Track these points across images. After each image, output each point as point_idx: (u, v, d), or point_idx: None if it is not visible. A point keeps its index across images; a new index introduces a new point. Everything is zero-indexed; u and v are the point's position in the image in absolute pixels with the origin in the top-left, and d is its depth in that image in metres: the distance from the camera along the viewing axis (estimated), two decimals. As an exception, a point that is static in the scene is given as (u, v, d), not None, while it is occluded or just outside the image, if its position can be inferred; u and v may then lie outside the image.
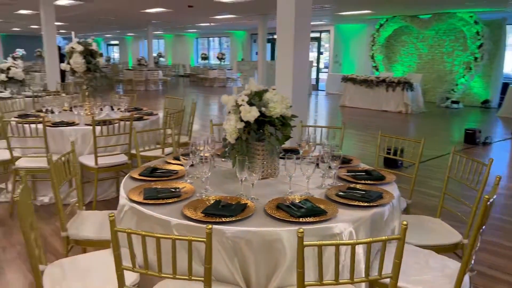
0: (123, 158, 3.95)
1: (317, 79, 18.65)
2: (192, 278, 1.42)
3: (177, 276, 1.44)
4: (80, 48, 4.40)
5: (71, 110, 4.80)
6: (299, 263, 1.34)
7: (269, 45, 20.78)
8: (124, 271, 1.50)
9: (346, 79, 12.46)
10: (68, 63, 4.44)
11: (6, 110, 5.58)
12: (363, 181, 2.35)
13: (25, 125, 3.95)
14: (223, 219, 1.78)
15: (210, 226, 1.34)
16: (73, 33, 16.91)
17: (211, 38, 26.05)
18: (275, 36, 20.45)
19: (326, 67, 18.73)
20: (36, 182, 4.24)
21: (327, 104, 13.62)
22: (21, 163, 3.86)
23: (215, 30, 22.90)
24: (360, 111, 11.43)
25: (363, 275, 1.49)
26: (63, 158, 2.41)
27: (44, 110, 4.69)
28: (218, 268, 1.80)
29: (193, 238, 1.36)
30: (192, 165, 2.36)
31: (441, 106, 12.47)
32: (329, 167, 2.28)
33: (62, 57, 14.28)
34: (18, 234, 3.48)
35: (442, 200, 2.73)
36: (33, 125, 3.94)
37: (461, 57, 12.67)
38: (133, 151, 3.80)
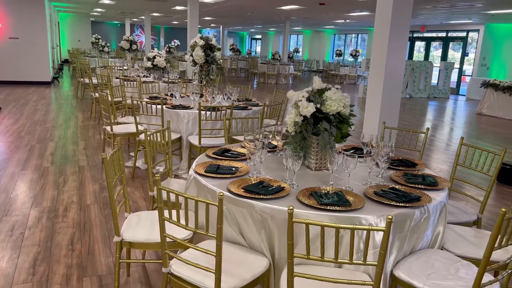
0: (222, 141, 4.49)
1: (458, 82, 17.08)
2: (209, 234, 1.76)
3: (197, 231, 1.80)
4: (201, 42, 5.08)
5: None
6: (289, 236, 1.58)
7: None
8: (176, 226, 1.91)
9: (486, 84, 11.25)
10: (191, 55, 5.17)
11: (146, 92, 6.71)
12: (413, 185, 2.38)
13: (152, 105, 4.80)
14: (257, 196, 2.08)
15: (221, 193, 1.66)
16: (221, 26, 19.02)
17: (348, 35, 25.77)
18: (415, 35, 19.33)
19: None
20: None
21: (462, 110, 12.48)
22: (143, 136, 4.70)
23: (352, 27, 22.62)
24: (499, 121, 10.25)
25: (354, 259, 1.64)
26: (158, 134, 2.98)
27: (169, 94, 5.54)
28: (251, 237, 2.12)
29: (209, 202, 1.70)
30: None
31: None
32: (377, 165, 2.39)
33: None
34: (130, 191, 4.31)
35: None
36: (158, 106, 4.75)
37: None
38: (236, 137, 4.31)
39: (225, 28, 31.00)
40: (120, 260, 2.27)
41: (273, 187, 2.20)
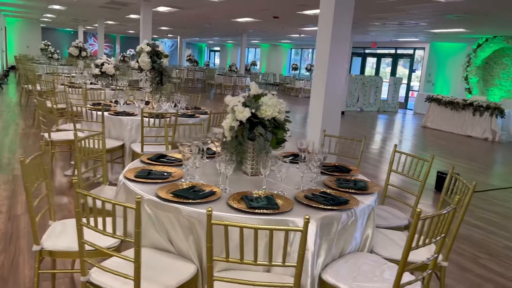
0: (164, 148, 4.40)
1: (407, 97, 17.87)
2: (126, 239, 1.69)
3: (117, 236, 1.72)
4: (147, 48, 4.99)
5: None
6: (208, 238, 1.54)
7: (359, 59, 20.49)
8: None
9: (430, 99, 11.84)
10: (137, 61, 5.06)
11: (92, 99, 6.49)
12: (344, 189, 2.41)
13: (93, 111, 4.63)
14: (184, 200, 2.03)
15: (139, 196, 1.60)
16: (178, 37, 18.80)
17: (304, 50, 26.39)
18: (366, 51, 20.10)
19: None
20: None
21: (409, 123, 13.04)
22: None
23: (308, 42, 23.19)
24: (442, 134, 10.79)
25: (280, 261, 1.63)
26: (89, 139, 2.87)
27: (113, 101, 5.39)
28: (179, 243, 2.05)
29: (127, 205, 1.63)
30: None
31: (540, 137, 11.18)
32: (310, 169, 2.41)
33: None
34: (68, 200, 4.11)
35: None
36: (99, 112, 4.59)
37: None
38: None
39: (183, 39, 30.84)
40: (39, 271, 2.13)
41: (204, 191, 2.16)
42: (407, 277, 1.97)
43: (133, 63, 5.12)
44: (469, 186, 2.31)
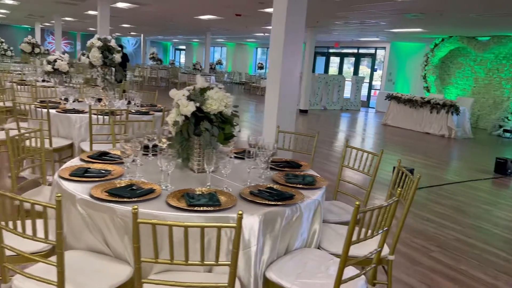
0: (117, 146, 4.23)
1: (369, 95, 18.24)
2: (48, 241, 1.56)
3: (48, 241, 1.58)
4: (99, 43, 4.78)
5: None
6: (134, 238, 1.44)
7: (323, 59, 20.74)
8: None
9: (390, 97, 12.11)
10: (87, 57, 4.85)
11: (43, 97, 6.18)
12: (292, 184, 2.36)
13: (38, 108, 4.39)
14: (119, 199, 1.91)
15: (59, 194, 1.48)
16: (142, 35, 18.33)
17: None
18: (330, 50, 20.37)
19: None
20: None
21: (370, 121, 13.29)
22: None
23: (273, 41, 23.26)
24: (401, 131, 11.04)
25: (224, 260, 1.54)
26: (31, 138, 2.68)
27: (63, 98, 5.15)
28: (114, 245, 1.93)
29: (47, 204, 1.50)
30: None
31: (492, 134, 11.67)
32: (258, 165, 2.35)
33: (125, 56, 15.31)
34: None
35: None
36: (45, 110, 4.35)
37: (520, 84, 11.81)
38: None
39: (147, 37, 30.23)
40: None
41: (142, 189, 2.05)
42: (351, 272, 1.94)
43: (83, 58, 4.90)
44: (413, 180, 2.30)
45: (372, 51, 17.96)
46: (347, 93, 16.74)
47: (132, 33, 26.39)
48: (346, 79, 16.37)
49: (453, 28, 11.11)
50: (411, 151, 8.24)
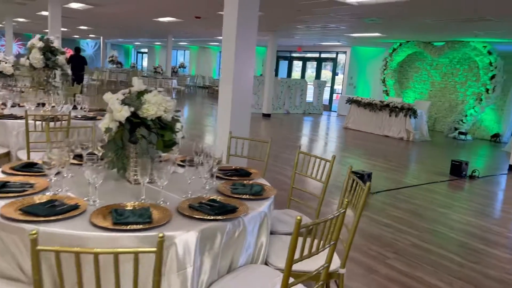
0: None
1: (331, 99, 18.43)
2: None
3: None
4: (40, 44, 4.45)
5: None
6: (34, 270, 1.22)
7: (285, 63, 20.81)
8: None
9: (351, 101, 12.22)
10: (28, 58, 4.50)
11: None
12: (238, 195, 2.19)
13: (-29, 114, 4.01)
14: (34, 218, 1.67)
15: None
16: (101, 37, 17.60)
17: (233, 52, 26.29)
18: (293, 54, 20.47)
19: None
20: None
21: (332, 125, 13.38)
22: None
23: (237, 45, 23.13)
24: (362, 135, 11.15)
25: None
26: None
27: (0, 103, 4.76)
28: (30, 271, 1.69)
29: None
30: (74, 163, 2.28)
31: (448, 136, 12.01)
32: (211, 176, 2.18)
33: (83, 59, 14.70)
34: None
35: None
36: (-22, 116, 3.98)
37: (473, 88, 12.22)
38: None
39: (107, 40, 29.36)
40: None
41: (64, 206, 1.81)
42: (298, 290, 1.79)
43: (23, 60, 4.55)
44: (364, 188, 2.19)
45: (334, 55, 18.18)
46: (309, 97, 16.83)
47: (91, 35, 25.52)
48: (308, 83, 16.46)
49: (410, 33, 11.37)
50: (371, 155, 8.29)
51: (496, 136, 11.61)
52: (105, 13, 12.16)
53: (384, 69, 14.28)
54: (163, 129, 2.30)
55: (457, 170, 6.76)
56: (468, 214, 4.89)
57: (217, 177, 2.52)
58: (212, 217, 1.82)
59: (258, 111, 14.63)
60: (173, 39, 20.09)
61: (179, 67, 26.89)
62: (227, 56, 4.01)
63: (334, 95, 18.41)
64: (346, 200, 1.80)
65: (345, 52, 17.41)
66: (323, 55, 18.84)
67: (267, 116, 13.76)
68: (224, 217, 1.85)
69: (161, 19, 12.69)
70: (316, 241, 1.72)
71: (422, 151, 9.34)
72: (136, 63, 35.45)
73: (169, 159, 2.59)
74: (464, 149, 10.21)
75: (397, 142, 10.33)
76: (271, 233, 2.54)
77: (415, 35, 11.93)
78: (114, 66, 21.46)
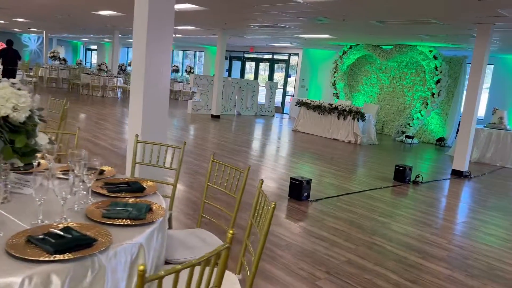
0: None
1: (283, 101, 18.22)
2: None
3: None
4: None
5: None
6: None
7: (238, 63, 20.40)
8: None
9: (300, 103, 11.97)
10: None
11: None
12: (112, 220, 1.70)
13: None
14: None
15: None
16: (44, 32, 16.32)
17: (186, 51, 25.59)
18: (246, 55, 20.10)
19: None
20: None
21: (282, 127, 13.09)
22: None
23: (190, 44, 22.46)
24: (310, 138, 10.91)
25: None
26: None
27: None
28: None
29: None
30: None
31: (396, 140, 12.05)
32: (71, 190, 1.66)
33: (15, 52, 13.53)
34: None
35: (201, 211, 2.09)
36: None
37: (419, 92, 12.35)
38: None
39: (51, 35, 27.68)
40: None
41: None
42: None
43: None
44: (269, 207, 1.76)
45: (286, 57, 17.98)
46: (261, 98, 16.52)
47: (32, 29, 23.88)
48: (260, 85, 16.14)
49: (359, 35, 11.28)
50: (317, 159, 8.01)
51: (441, 140, 11.77)
52: (38, 2, 11.18)
53: (335, 72, 14.20)
54: (13, 133, 1.76)
55: (401, 175, 6.59)
56: (408, 224, 4.64)
57: (98, 193, 2.02)
58: (48, 258, 1.32)
59: (207, 112, 14.10)
60: (120, 35, 19.14)
61: (129, 65, 25.83)
62: (137, 49, 3.49)
63: (287, 97, 18.21)
64: (231, 231, 1.36)
65: (297, 54, 17.26)
66: (276, 57, 18.60)
67: (216, 117, 13.27)
68: (71, 256, 1.36)
69: (101, 13, 11.87)
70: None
71: (369, 155, 9.21)
72: (85, 60, 33.83)
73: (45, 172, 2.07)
74: (410, 152, 10.22)
75: (344, 145, 10.17)
76: (168, 262, 2.08)
77: (364, 38, 11.89)
78: (57, 62, 20.10)
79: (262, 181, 2.09)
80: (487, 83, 12.49)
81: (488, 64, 12.84)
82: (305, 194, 5.08)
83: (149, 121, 3.29)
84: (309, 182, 5.11)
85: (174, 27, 13.92)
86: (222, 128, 11.12)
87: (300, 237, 3.90)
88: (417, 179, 6.65)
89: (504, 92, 11.97)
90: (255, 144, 9.31)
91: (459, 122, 12.17)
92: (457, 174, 7.59)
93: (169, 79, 3.40)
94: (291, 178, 5.12)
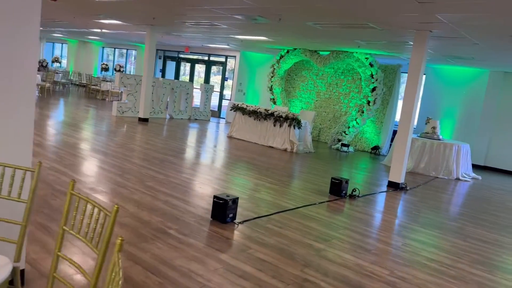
0: None
1: (220, 106, 17.47)
2: None
3: None
4: None
5: None
6: None
7: (173, 64, 19.34)
8: None
9: (235, 108, 11.30)
10: None
11: None
12: None
13: None
14: None
15: None
16: None
17: (118, 49, 23.98)
18: (181, 55, 19.11)
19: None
20: None
21: (216, 133, 12.33)
22: None
23: (121, 41, 20.98)
24: (245, 145, 10.25)
25: None
26: None
27: None
28: None
29: None
30: None
31: (332, 148, 11.78)
32: None
33: None
34: None
35: None
36: None
37: (355, 99, 12.20)
38: None
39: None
40: None
41: None
42: None
43: None
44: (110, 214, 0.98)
45: (223, 59, 17.26)
46: (197, 102, 15.65)
47: None
48: (195, 87, 15.25)
49: (296, 39, 10.84)
50: (251, 169, 7.35)
51: (375, 148, 11.67)
52: None
53: (272, 76, 13.72)
54: None
55: (337, 188, 6.10)
56: (345, 249, 4.09)
57: None
58: None
59: (135, 115, 12.97)
60: (45, 29, 17.31)
61: (53, 61, 23.74)
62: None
63: (224, 101, 17.46)
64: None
65: (234, 57, 16.60)
66: (212, 58, 17.81)
67: (144, 121, 12.20)
68: None
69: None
70: None
71: (305, 165, 8.73)
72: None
73: None
74: (346, 161, 9.92)
75: (280, 154, 9.63)
76: None
77: (302, 42, 11.49)
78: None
79: (74, 181, 1.30)
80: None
81: (421, 74, 13.09)
82: (231, 215, 4.36)
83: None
84: (235, 201, 4.39)
85: (97, 21, 12.66)
86: (148, 133, 10.13)
87: (219, 276, 3.16)
88: (354, 193, 6.21)
89: (435, 102, 12.17)
90: (185, 152, 8.46)
91: (394, 131, 12.24)
92: (394, 186, 7.30)
93: (33, 77, 2.49)
94: (215, 197, 4.38)
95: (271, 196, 5.70)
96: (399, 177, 7.30)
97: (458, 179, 9.12)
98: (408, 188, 7.36)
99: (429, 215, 5.92)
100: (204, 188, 5.71)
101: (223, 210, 4.29)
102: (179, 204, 4.77)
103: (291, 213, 5.03)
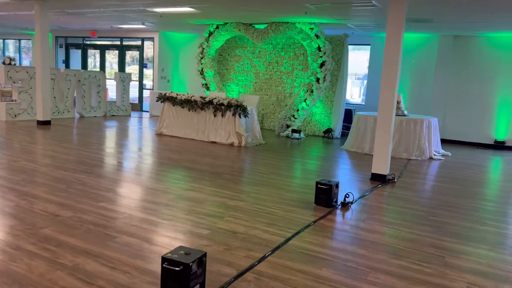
0: None
1: (141, 97, 15.04)
2: None
3: None
4: None
5: None
6: None
7: (78, 52, 16.38)
8: None
9: (163, 98, 9.19)
10: None
11: None
12: None
13: None
14: None
15: None
16: None
17: (7, 40, 20.11)
18: (87, 41, 16.19)
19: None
20: None
21: (141, 130, 10.10)
22: None
23: (10, 29, 17.36)
24: (180, 143, 8.25)
25: None
26: None
27: None
28: None
29: None
30: None
31: (281, 135, 10.20)
32: None
33: None
34: None
35: None
36: None
37: (301, 78, 10.69)
38: None
39: None
40: None
41: None
42: None
43: None
44: None
45: (139, 42, 14.76)
46: (112, 94, 13.12)
47: None
48: (107, 77, 12.70)
49: (227, 9, 8.95)
50: (194, 179, 5.46)
51: (328, 131, 10.30)
52: None
53: (201, 58, 11.71)
54: None
55: (326, 197, 4.47)
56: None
57: None
58: None
59: (32, 118, 10.25)
60: None
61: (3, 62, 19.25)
62: None
63: (145, 92, 15.03)
64: None
65: (152, 39, 14.21)
66: (126, 42, 15.20)
67: (45, 124, 9.58)
68: None
69: None
70: None
71: (260, 162, 7.01)
72: None
73: None
74: (304, 151, 8.38)
75: (227, 150, 7.80)
76: None
77: (233, 15, 9.62)
78: None
79: None
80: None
81: (365, 45, 11.94)
82: (196, 287, 2.49)
83: None
84: (201, 260, 2.52)
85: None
86: (50, 141, 7.68)
87: None
88: (347, 200, 4.63)
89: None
90: (101, 164, 6.26)
91: (346, 110, 10.96)
92: (379, 179, 5.88)
93: None
94: (164, 268, 2.46)
95: (242, 224, 3.89)
96: (385, 168, 5.88)
97: (431, 158, 8.03)
98: (395, 180, 5.99)
99: (461, 222, 4.53)
100: (139, 234, 3.73)
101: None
102: (100, 275, 2.78)
103: (284, 254, 3.28)
